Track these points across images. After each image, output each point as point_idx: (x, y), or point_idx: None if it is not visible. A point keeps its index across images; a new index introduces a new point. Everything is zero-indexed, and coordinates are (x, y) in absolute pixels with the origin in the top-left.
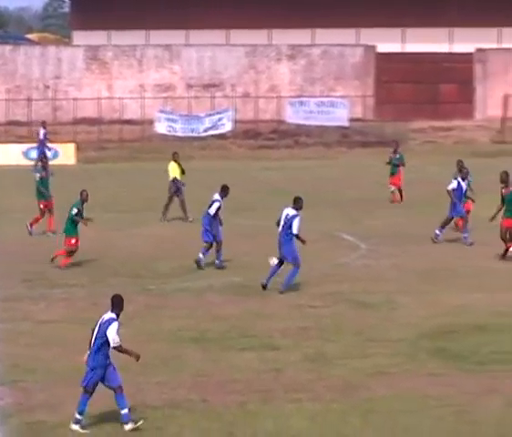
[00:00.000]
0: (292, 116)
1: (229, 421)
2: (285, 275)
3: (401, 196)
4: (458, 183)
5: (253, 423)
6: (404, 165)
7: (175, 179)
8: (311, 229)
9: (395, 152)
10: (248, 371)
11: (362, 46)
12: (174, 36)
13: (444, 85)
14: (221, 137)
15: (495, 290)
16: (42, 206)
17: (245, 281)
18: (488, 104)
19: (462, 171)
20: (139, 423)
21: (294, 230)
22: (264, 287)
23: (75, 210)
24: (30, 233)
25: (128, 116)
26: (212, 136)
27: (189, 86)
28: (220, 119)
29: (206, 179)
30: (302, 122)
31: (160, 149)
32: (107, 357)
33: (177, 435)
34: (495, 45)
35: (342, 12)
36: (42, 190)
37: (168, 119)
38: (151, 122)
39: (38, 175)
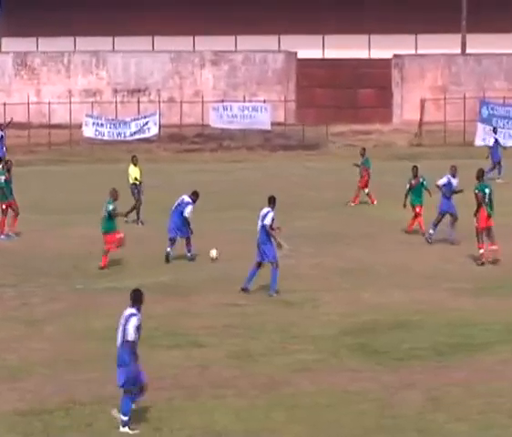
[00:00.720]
0: (216, 120)
1: (156, 417)
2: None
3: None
4: (448, 179)
5: (180, 419)
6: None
7: (135, 182)
8: (236, 230)
9: (363, 156)
10: (175, 368)
11: (283, 53)
12: (101, 43)
13: (362, 90)
14: (147, 141)
15: (412, 288)
16: (4, 206)
17: (172, 281)
18: (405, 108)
19: (415, 175)
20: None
21: (266, 222)
22: (245, 290)
23: (111, 207)
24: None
25: (56, 120)
26: (138, 140)
27: (116, 92)
28: (145, 124)
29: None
30: (225, 126)
31: (88, 153)
32: (134, 353)
33: (106, 431)
34: (411, 52)
35: (263, 19)
36: (5, 192)
37: (96, 124)
38: (79, 126)
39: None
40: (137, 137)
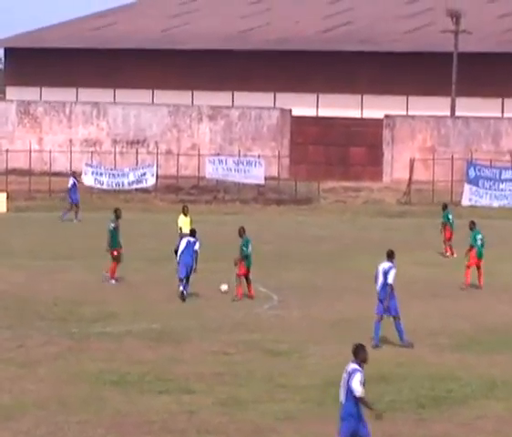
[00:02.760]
0: (212, 172)
1: None
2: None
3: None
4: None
5: None
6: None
7: (181, 232)
8: (226, 280)
9: (444, 210)
10: (164, 413)
11: (278, 109)
12: (102, 94)
13: (354, 148)
14: (145, 191)
15: (395, 342)
16: (115, 253)
17: (163, 328)
18: (395, 167)
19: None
20: None
21: (390, 281)
22: (376, 346)
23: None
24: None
25: (56, 168)
26: (136, 189)
27: (115, 142)
28: (143, 174)
29: (129, 230)
30: (220, 179)
31: (86, 200)
32: (357, 407)
33: None
34: (402, 112)
35: (259, 76)
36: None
37: (95, 173)
38: (78, 175)
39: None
40: (134, 186)
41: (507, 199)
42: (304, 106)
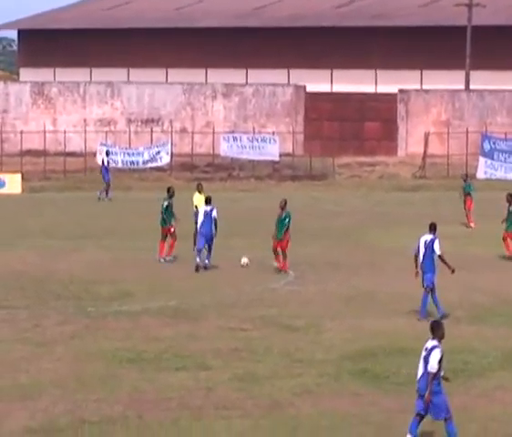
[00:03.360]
0: (226, 150)
1: None
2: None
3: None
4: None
5: None
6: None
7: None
8: (243, 256)
9: (465, 181)
10: (181, 390)
11: (292, 86)
12: (116, 74)
13: (368, 123)
14: (160, 169)
15: (413, 315)
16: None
17: (179, 305)
18: (410, 141)
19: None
20: None
21: (438, 251)
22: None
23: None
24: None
25: (71, 148)
26: (151, 168)
27: (130, 121)
28: (158, 152)
29: (143, 208)
30: (235, 156)
31: (100, 180)
32: (439, 384)
33: None
34: (416, 87)
35: (273, 53)
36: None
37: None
38: (93, 154)
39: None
40: (149, 165)
41: None
42: (318, 82)
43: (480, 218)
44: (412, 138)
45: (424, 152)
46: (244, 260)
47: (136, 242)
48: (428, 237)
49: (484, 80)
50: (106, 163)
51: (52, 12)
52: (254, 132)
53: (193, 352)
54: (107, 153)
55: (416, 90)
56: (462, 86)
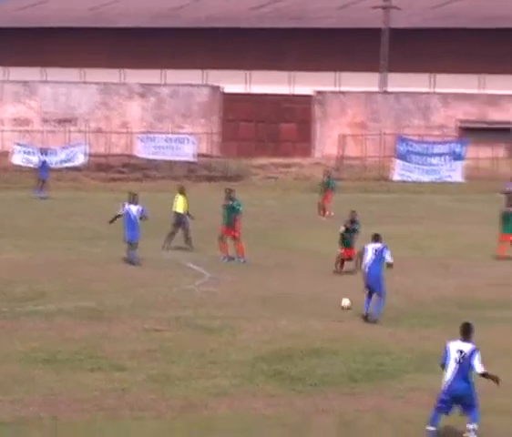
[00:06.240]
0: (142, 150)
1: None
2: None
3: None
4: None
5: None
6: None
7: (177, 213)
8: (158, 258)
9: (328, 177)
10: (96, 391)
11: (208, 87)
12: (31, 73)
13: (284, 124)
14: (75, 169)
15: (328, 317)
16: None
17: (95, 306)
18: (326, 143)
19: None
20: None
21: (389, 259)
22: (366, 317)
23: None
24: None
25: None
26: (66, 168)
27: (45, 121)
28: (73, 152)
29: (60, 208)
30: (151, 157)
31: (16, 180)
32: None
33: None
34: (332, 88)
35: (190, 54)
36: None
37: (25, 152)
38: (8, 154)
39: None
40: (65, 165)
41: (437, 174)
42: (236, 83)
43: (393, 219)
44: (328, 140)
45: (340, 154)
46: (345, 302)
47: (51, 242)
48: (379, 245)
49: (400, 82)
50: (41, 162)
51: None
52: (170, 133)
53: (108, 353)
54: (43, 152)
55: (333, 92)
56: (378, 89)
